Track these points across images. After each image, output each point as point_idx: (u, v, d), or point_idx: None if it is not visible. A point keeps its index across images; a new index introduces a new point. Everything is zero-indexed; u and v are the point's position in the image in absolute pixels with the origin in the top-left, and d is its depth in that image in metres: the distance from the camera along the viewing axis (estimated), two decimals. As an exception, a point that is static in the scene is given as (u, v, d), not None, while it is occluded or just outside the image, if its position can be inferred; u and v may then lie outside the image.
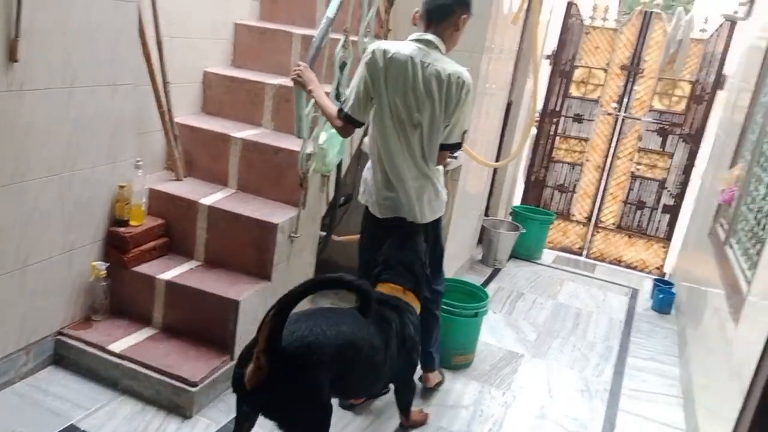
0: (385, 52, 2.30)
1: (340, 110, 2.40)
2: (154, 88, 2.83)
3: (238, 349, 2.61)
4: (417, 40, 2.34)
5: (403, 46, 2.32)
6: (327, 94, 2.62)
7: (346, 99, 2.39)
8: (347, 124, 2.41)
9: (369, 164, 2.53)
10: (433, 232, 2.58)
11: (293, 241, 2.87)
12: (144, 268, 2.71)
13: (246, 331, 2.66)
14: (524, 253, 4.82)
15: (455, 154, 3.31)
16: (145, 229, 2.75)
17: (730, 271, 2.79)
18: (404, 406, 2.49)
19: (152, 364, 2.47)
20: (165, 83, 2.89)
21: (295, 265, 2.97)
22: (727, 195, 3.21)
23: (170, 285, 2.65)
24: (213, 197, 2.87)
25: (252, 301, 2.65)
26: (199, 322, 2.64)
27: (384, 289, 2.28)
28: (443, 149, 2.43)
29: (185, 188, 2.93)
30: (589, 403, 2.93)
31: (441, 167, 2.52)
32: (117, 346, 2.54)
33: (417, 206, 2.43)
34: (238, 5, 3.47)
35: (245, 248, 2.78)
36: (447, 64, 2.30)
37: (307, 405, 1.83)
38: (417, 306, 2.33)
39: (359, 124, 2.43)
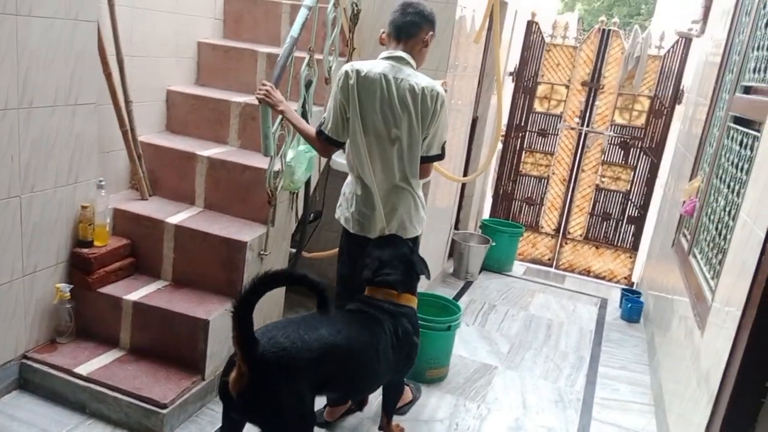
0: (358, 72, 2.32)
1: (320, 132, 2.41)
2: (115, 107, 2.80)
3: (209, 369, 2.57)
4: (388, 57, 2.36)
5: (375, 65, 2.35)
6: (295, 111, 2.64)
7: (324, 121, 2.40)
8: (328, 145, 2.43)
9: (348, 180, 2.54)
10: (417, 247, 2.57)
11: (263, 259, 2.84)
12: (110, 289, 2.66)
13: (217, 350, 2.62)
14: (495, 265, 4.85)
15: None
16: (109, 249, 2.70)
17: (695, 280, 2.85)
18: (390, 409, 2.50)
19: (121, 387, 2.41)
20: (127, 102, 2.86)
21: (265, 283, 2.92)
22: (688, 206, 3.29)
23: (137, 306, 2.60)
24: (179, 216, 2.83)
25: (222, 321, 2.60)
26: (168, 343, 2.59)
27: (377, 294, 2.30)
28: (424, 162, 2.44)
29: (151, 207, 2.88)
30: (563, 413, 2.95)
31: (420, 187, 2.51)
32: (84, 369, 2.48)
33: (394, 224, 2.43)
34: (202, 24, 3.46)
35: (214, 267, 2.74)
36: (420, 79, 2.33)
37: (287, 409, 1.86)
38: (414, 304, 2.36)
39: (340, 144, 2.44)
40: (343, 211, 2.53)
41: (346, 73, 2.33)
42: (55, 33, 2.38)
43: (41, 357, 2.52)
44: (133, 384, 2.43)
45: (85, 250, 2.63)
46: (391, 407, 2.51)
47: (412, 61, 2.37)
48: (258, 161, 2.86)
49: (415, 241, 2.55)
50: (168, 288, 2.75)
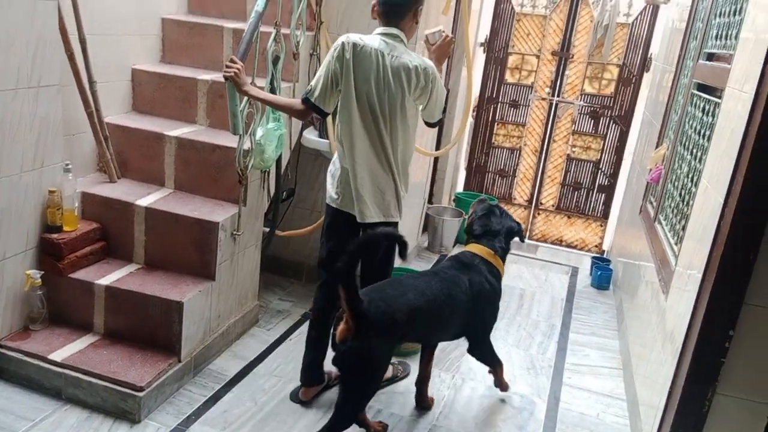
0: (354, 44, 2.32)
1: (306, 99, 2.40)
2: (79, 88, 2.75)
3: (185, 350, 2.59)
4: (383, 34, 2.37)
5: (371, 39, 2.36)
6: (262, 89, 2.62)
7: (311, 89, 2.39)
8: (310, 112, 2.43)
9: (334, 158, 2.54)
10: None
11: (236, 239, 2.84)
12: (81, 274, 2.64)
13: (192, 332, 2.63)
14: (469, 238, 4.90)
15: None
16: (79, 234, 2.67)
17: (660, 246, 2.93)
18: (490, 364, 2.76)
19: (96, 371, 2.42)
20: (91, 83, 2.80)
21: (239, 262, 2.94)
22: (654, 174, 3.35)
23: (110, 290, 2.59)
24: (150, 198, 2.81)
25: (196, 302, 2.62)
26: (143, 326, 2.59)
27: (474, 248, 2.61)
28: (430, 126, 2.62)
29: (120, 190, 2.86)
30: (535, 380, 3.03)
31: (407, 168, 2.52)
32: (58, 355, 2.47)
33: (380, 202, 2.44)
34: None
35: (186, 248, 2.73)
36: (412, 57, 2.36)
37: (378, 358, 2.20)
38: (502, 271, 2.63)
39: (323, 114, 2.44)
40: (329, 189, 2.53)
41: (343, 44, 2.33)
42: (13, 14, 2.31)
43: (15, 345, 2.51)
44: (108, 368, 2.44)
45: (55, 236, 2.60)
46: (491, 362, 2.77)
47: (405, 39, 2.40)
48: (228, 140, 2.84)
49: (396, 227, 2.54)
50: (141, 271, 2.74)
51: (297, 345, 3.05)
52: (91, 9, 2.80)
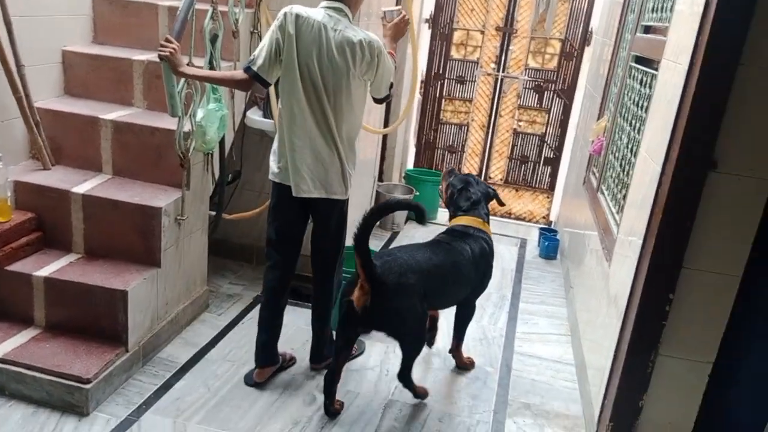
0: (297, 16, 2.28)
1: (248, 68, 2.34)
2: (6, 72, 2.60)
3: (132, 339, 2.53)
4: (327, 8, 2.33)
5: (314, 12, 2.31)
6: (201, 69, 2.55)
7: (254, 58, 2.33)
8: (251, 79, 2.36)
9: (277, 134, 2.48)
10: (339, 213, 2.53)
11: (180, 224, 2.76)
12: (18, 266, 2.53)
13: (139, 321, 2.57)
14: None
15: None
16: (14, 225, 2.55)
17: (603, 215, 3.02)
18: (461, 332, 2.88)
19: (39, 365, 2.34)
20: (19, 66, 2.66)
21: (186, 247, 2.87)
22: (596, 145, 3.44)
23: (49, 281, 2.49)
24: (87, 185, 2.70)
25: (142, 289, 2.55)
26: (87, 317, 2.51)
27: (464, 221, 2.74)
28: (377, 102, 2.59)
29: (54, 177, 2.73)
30: (488, 350, 3.10)
31: (354, 144, 2.49)
32: (-2, 351, 2.37)
33: (324, 177, 2.40)
34: (95, -23, 3.23)
35: (129, 236, 2.65)
36: (357, 32, 2.31)
37: (406, 313, 2.37)
38: (489, 232, 2.80)
39: (266, 84, 2.39)
40: (272, 166, 2.48)
41: (285, 14, 2.29)
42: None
43: (-52, 342, 2.40)
44: (52, 362, 2.36)
45: (-14, 227, 2.48)
46: (462, 330, 2.88)
47: (350, 13, 2.36)
48: (167, 122, 2.73)
49: (345, 204, 2.53)
50: (81, 261, 2.64)
51: (249, 329, 3.01)
52: (16, -11, 2.64)
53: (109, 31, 3.22)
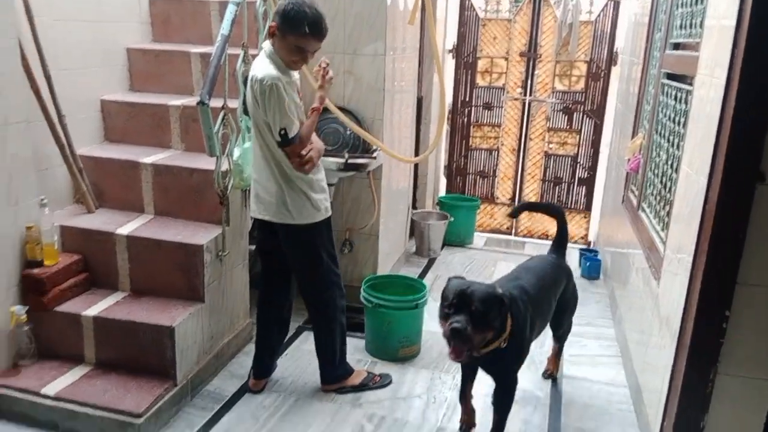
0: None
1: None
2: (48, 122, 2.71)
3: (180, 374, 2.55)
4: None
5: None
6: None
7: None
8: None
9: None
10: (296, 236, 2.54)
11: (222, 260, 2.80)
12: (67, 307, 2.59)
13: (186, 355, 2.59)
14: (456, 239, 4.91)
15: (374, 155, 3.34)
16: (61, 267, 2.62)
17: (646, 233, 2.95)
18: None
19: (92, 402, 2.38)
20: (60, 116, 2.77)
21: (228, 282, 2.90)
22: (633, 163, 3.39)
23: (98, 320, 2.54)
24: (130, 226, 2.76)
25: (188, 325, 2.58)
26: (135, 354, 2.55)
27: None
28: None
29: (99, 220, 2.81)
30: (536, 375, 3.02)
31: (310, 177, 2.46)
32: (51, 389, 2.43)
33: (268, 204, 2.48)
34: (128, 29, 3.37)
35: (172, 273, 2.69)
36: (256, 67, 2.36)
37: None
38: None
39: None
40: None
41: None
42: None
43: (5, 382, 2.46)
44: (103, 398, 2.40)
45: (36, 271, 2.55)
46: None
47: (268, 50, 2.39)
48: (205, 163, 2.80)
49: (314, 227, 2.51)
50: (127, 299, 2.69)
51: (293, 359, 3.01)
52: (54, 44, 2.77)
53: (144, 78, 3.35)
